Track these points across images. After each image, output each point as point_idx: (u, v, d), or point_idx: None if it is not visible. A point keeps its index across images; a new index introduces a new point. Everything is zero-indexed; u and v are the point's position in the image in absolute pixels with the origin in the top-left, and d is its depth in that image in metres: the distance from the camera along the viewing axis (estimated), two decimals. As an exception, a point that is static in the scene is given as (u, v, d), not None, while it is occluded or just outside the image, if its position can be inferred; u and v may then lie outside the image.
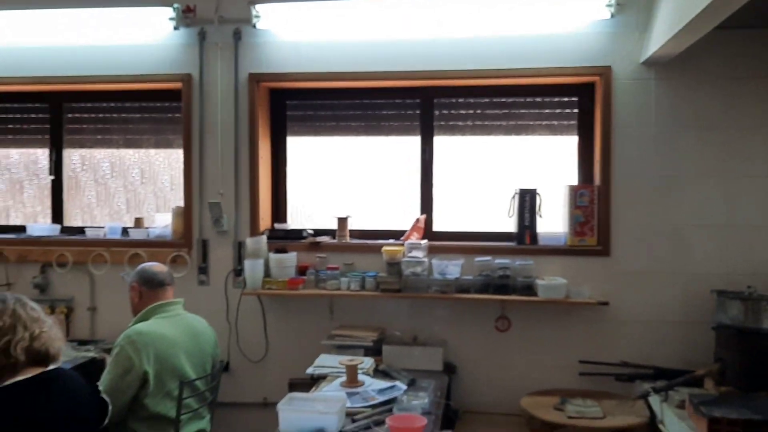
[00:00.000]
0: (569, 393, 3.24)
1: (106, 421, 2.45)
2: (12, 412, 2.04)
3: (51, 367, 2.24)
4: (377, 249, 3.56)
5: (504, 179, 3.72)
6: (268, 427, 3.70)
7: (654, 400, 2.86)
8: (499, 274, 3.38)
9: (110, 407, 2.47)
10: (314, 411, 2.34)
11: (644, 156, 3.43)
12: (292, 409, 2.37)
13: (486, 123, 3.76)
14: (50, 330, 2.27)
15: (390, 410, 2.57)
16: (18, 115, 4.13)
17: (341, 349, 3.43)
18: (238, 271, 3.73)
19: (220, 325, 3.64)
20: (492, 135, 3.76)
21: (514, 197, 3.58)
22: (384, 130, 3.85)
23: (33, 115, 4.11)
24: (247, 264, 3.56)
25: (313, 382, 3.17)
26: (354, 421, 2.47)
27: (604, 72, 3.42)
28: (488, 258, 3.46)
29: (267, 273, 3.60)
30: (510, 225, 3.66)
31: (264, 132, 3.79)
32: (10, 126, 4.14)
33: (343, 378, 2.97)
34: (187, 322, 3.20)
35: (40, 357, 2.21)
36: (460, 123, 3.78)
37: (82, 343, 3.64)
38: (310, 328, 3.67)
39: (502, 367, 3.54)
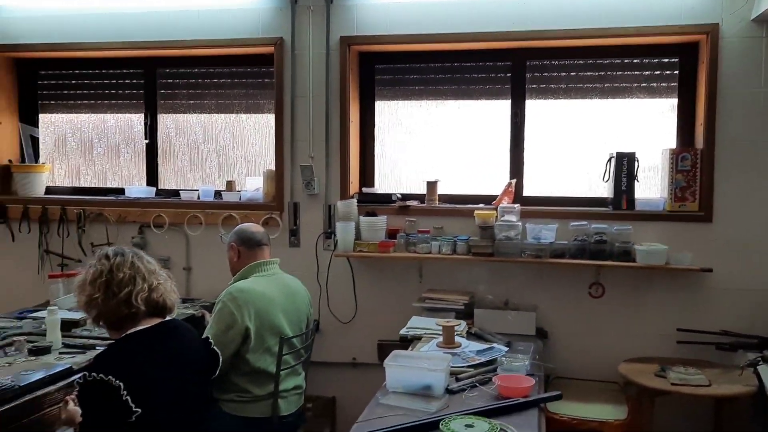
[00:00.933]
0: (668, 361, 3.17)
1: (218, 371, 2.55)
2: (136, 357, 2.14)
3: (167, 318, 2.34)
4: (466, 213, 3.55)
5: (596, 143, 3.63)
6: (358, 386, 3.78)
7: (763, 369, 2.76)
8: (596, 239, 3.32)
9: (221, 358, 2.56)
10: (422, 368, 2.35)
11: (751, 118, 3.28)
12: (400, 365, 2.39)
13: (580, 86, 3.66)
14: (166, 282, 2.36)
15: (492, 371, 2.57)
16: (114, 81, 4.26)
17: (431, 311, 3.44)
18: (329, 234, 3.77)
19: (311, 286, 3.67)
20: (587, 98, 3.66)
21: (609, 161, 3.48)
22: (474, 93, 3.80)
23: (128, 81, 4.23)
24: (339, 226, 3.59)
25: (402, 343, 3.20)
26: (458, 380, 2.48)
27: (711, 30, 3.27)
28: (584, 223, 3.39)
29: (357, 236, 3.63)
30: (603, 190, 3.57)
31: (354, 96, 3.80)
32: (107, 92, 4.27)
33: (439, 339, 2.99)
34: (284, 281, 3.26)
35: (158, 308, 2.30)
36: (553, 86, 3.69)
37: (183, 300, 3.76)
38: (398, 290, 3.69)
39: (596, 333, 3.49)
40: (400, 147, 3.92)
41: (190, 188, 4.11)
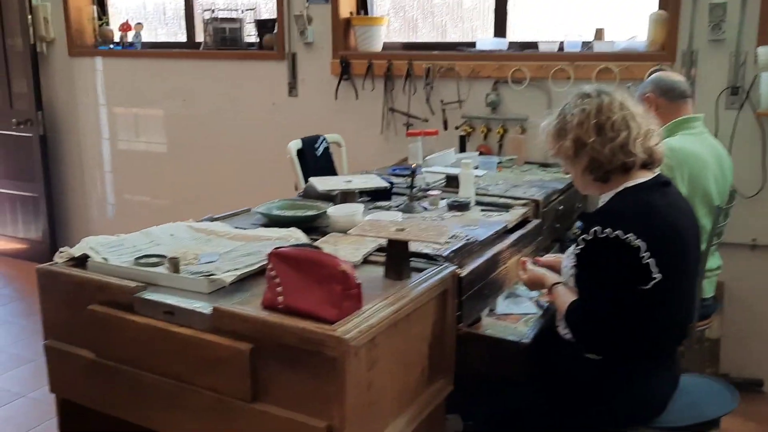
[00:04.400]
0: None
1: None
2: (655, 216, 1.77)
3: (656, 173, 1.93)
4: None
5: None
6: (754, 271, 3.23)
7: None
8: None
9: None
10: None
11: None
12: None
13: None
14: (656, 128, 1.94)
15: None
16: None
17: None
18: (735, 89, 3.12)
19: (708, 152, 3.12)
20: None
21: None
22: None
23: None
24: (765, 77, 2.92)
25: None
26: None
27: None
28: None
29: (782, 91, 2.96)
30: None
31: None
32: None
33: None
34: (711, 142, 2.74)
35: (651, 159, 1.90)
36: None
37: (544, 165, 3.40)
38: (826, 160, 3.00)
39: None
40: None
41: (547, 40, 3.62)
